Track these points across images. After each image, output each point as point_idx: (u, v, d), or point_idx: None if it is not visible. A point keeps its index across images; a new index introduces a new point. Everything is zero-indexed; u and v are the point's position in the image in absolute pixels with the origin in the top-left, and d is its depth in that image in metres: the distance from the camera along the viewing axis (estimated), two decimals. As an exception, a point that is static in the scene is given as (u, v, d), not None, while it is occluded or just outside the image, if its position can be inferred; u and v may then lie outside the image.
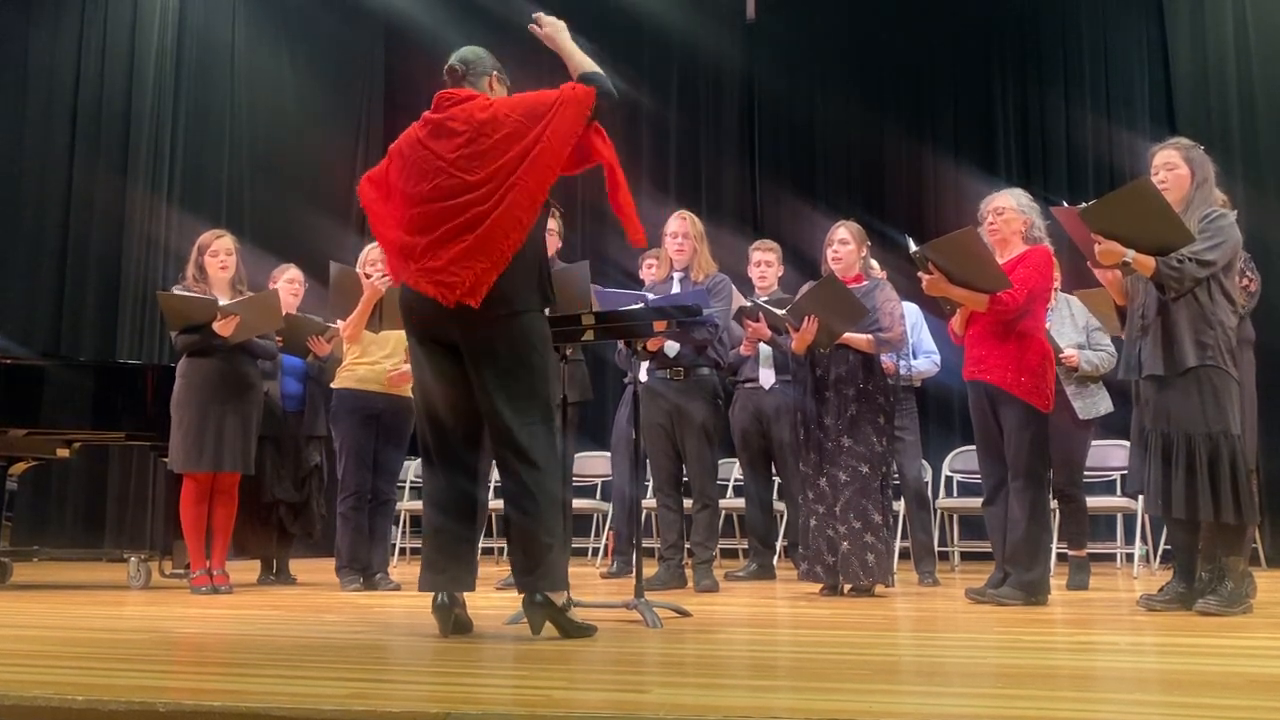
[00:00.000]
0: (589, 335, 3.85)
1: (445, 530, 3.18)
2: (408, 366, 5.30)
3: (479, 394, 3.13)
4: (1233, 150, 7.26)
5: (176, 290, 5.19)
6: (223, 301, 5.08)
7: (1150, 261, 3.75)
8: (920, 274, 4.34)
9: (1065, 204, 4.01)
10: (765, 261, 5.77)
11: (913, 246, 4.33)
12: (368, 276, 5.11)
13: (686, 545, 5.29)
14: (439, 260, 3.08)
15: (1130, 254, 3.77)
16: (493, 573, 5.67)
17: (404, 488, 7.67)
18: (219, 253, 5.20)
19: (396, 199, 3.25)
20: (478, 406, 3.16)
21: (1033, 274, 4.26)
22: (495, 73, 3.37)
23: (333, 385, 5.35)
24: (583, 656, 2.73)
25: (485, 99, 3.26)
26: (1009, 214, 4.41)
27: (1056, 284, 5.30)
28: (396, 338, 5.35)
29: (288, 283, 5.81)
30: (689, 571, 5.22)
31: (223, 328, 4.95)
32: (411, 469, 7.78)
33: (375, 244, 5.33)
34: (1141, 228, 3.77)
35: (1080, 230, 3.91)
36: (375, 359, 5.28)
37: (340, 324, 5.25)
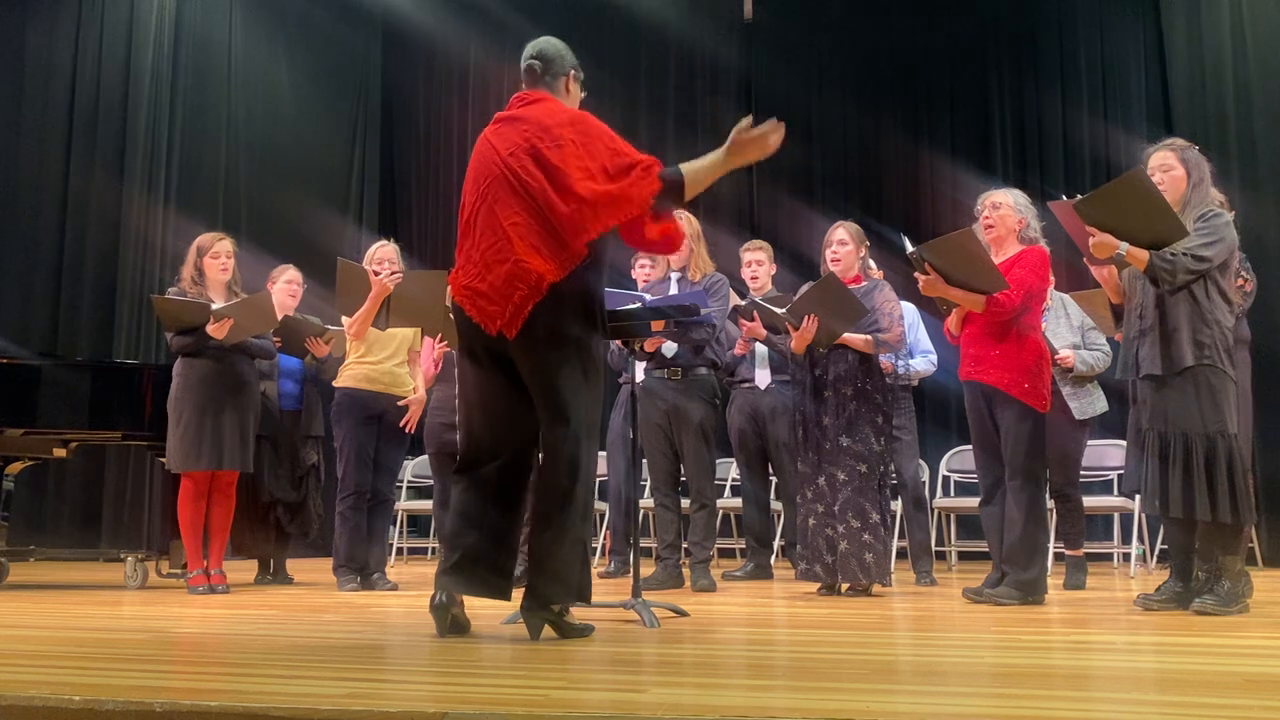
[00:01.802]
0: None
1: (489, 544, 3.10)
2: (413, 395, 5.32)
3: (531, 398, 3.10)
4: (1229, 151, 7.27)
5: (172, 292, 5.19)
6: (217, 304, 5.08)
7: (1143, 254, 3.76)
8: (916, 274, 4.35)
9: (1064, 197, 4.01)
10: (756, 261, 5.77)
11: (909, 246, 4.33)
12: (375, 274, 5.11)
13: (684, 545, 5.29)
14: (484, 283, 3.06)
15: (1124, 246, 3.78)
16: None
17: (402, 487, 7.67)
18: (220, 255, 5.20)
19: (464, 213, 3.22)
20: (525, 415, 3.14)
21: (1029, 274, 4.27)
22: (573, 71, 3.32)
23: (335, 384, 5.35)
24: (580, 656, 2.73)
25: (557, 104, 3.22)
26: (1005, 209, 4.42)
27: (1051, 283, 5.31)
28: (400, 338, 5.35)
29: (286, 284, 5.81)
30: (686, 571, 5.23)
31: (216, 331, 4.95)
32: (410, 468, 7.78)
33: (382, 243, 5.36)
34: (1135, 220, 3.77)
35: (1076, 224, 3.91)
36: (378, 359, 5.28)
37: (345, 321, 5.24)
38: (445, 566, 3.10)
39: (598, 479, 7.34)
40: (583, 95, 3.41)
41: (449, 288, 3.31)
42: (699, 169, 3.18)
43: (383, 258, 5.22)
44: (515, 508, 3.19)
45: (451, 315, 3.29)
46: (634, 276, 5.95)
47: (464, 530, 3.10)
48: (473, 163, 3.24)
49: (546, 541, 3.06)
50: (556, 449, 3.07)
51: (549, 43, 3.35)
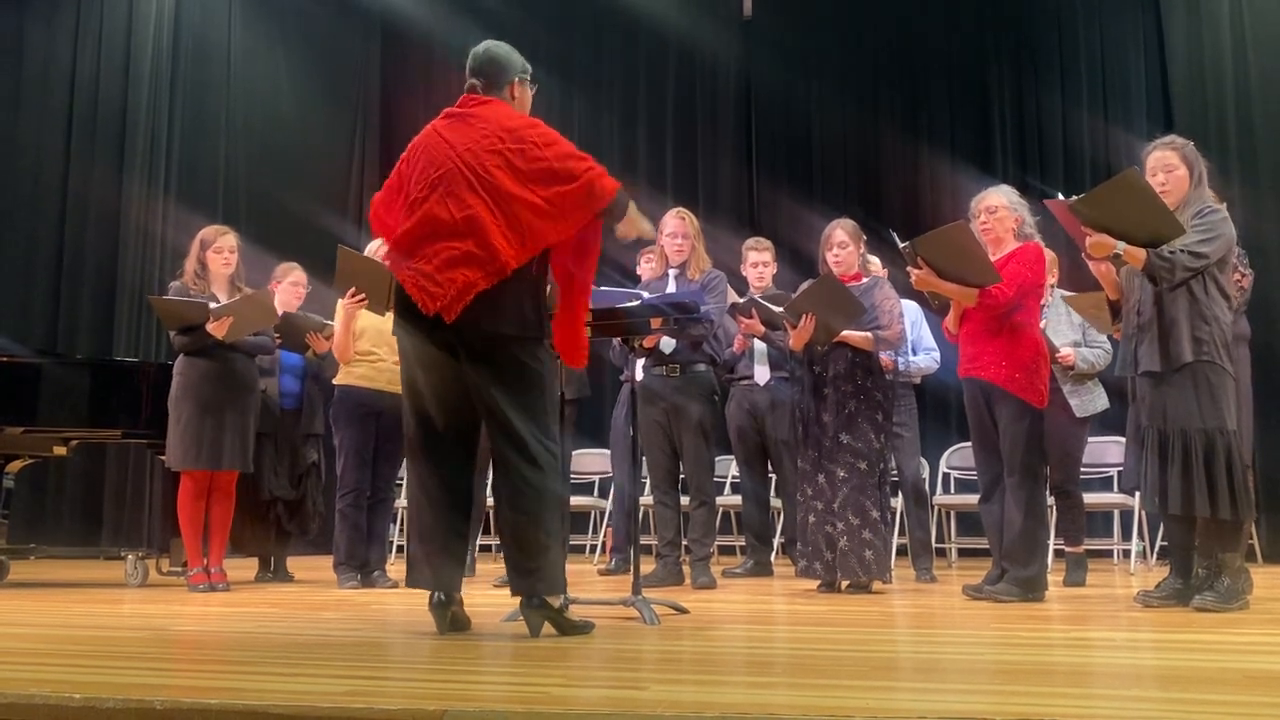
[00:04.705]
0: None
1: (438, 528, 3.13)
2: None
3: (478, 392, 3.10)
4: (1228, 146, 7.27)
5: (174, 286, 5.19)
6: (219, 300, 5.07)
7: (1141, 253, 3.76)
8: (909, 268, 4.35)
9: (1061, 195, 4.00)
10: (763, 261, 5.76)
11: (899, 241, 4.34)
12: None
13: (684, 542, 5.29)
14: (430, 264, 3.07)
15: (1121, 246, 3.78)
16: (491, 569, 5.66)
17: (401, 485, 7.67)
18: (223, 250, 5.19)
19: (404, 193, 3.21)
20: (470, 402, 3.14)
21: (1023, 270, 4.27)
22: (517, 78, 3.34)
23: (335, 382, 5.34)
24: (580, 654, 2.73)
25: (509, 109, 3.25)
26: (1001, 212, 4.42)
27: (1053, 280, 5.31)
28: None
29: (292, 285, 5.79)
30: (686, 568, 5.23)
31: (216, 329, 4.94)
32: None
33: (381, 241, 5.33)
34: (1131, 219, 3.77)
35: (1072, 222, 3.91)
36: (377, 356, 5.27)
37: (340, 303, 5.20)
38: (427, 565, 3.11)
39: (599, 477, 7.40)
40: (534, 91, 3.42)
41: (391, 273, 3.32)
42: (633, 206, 3.28)
43: (385, 256, 5.21)
44: (472, 496, 3.24)
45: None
46: (639, 272, 5.95)
47: (433, 524, 3.13)
48: (420, 153, 3.22)
49: (523, 539, 3.05)
50: (513, 441, 3.05)
51: (490, 53, 3.34)
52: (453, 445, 3.18)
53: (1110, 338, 5.00)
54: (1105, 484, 6.69)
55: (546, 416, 3.12)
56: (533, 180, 3.09)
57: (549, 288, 3.27)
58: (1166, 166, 3.97)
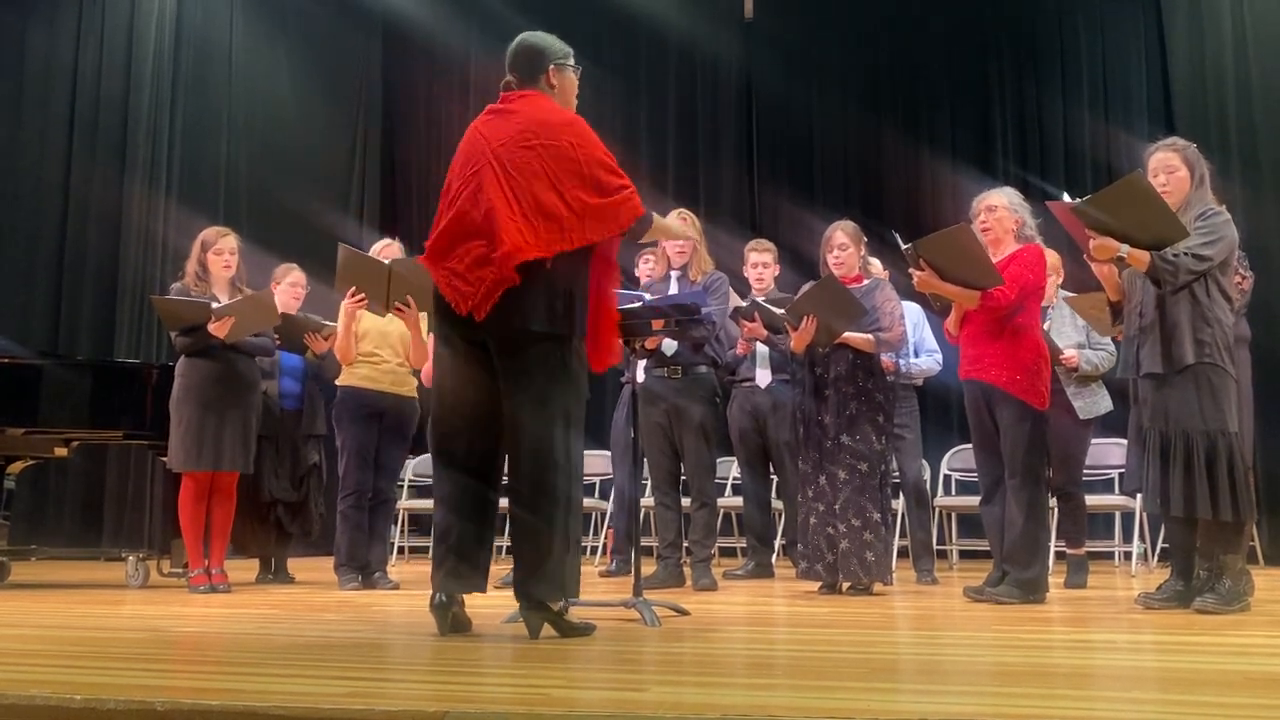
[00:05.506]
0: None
1: (460, 532, 3.12)
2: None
3: (504, 390, 3.09)
4: (1230, 148, 7.27)
5: (175, 287, 5.19)
6: (220, 301, 5.07)
7: (1144, 256, 3.75)
8: (910, 270, 4.35)
9: (1066, 197, 4.00)
10: (763, 263, 5.76)
11: (901, 243, 4.34)
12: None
13: (685, 544, 5.29)
14: (462, 263, 3.07)
15: (1124, 249, 3.78)
16: (493, 570, 5.65)
17: (403, 486, 7.67)
18: (224, 251, 5.19)
19: (447, 195, 3.22)
20: (497, 406, 3.12)
21: (1024, 271, 4.27)
22: (554, 65, 3.30)
23: (337, 383, 5.34)
24: (581, 655, 2.73)
25: (549, 102, 3.24)
26: (1001, 211, 4.42)
27: (1058, 281, 5.31)
28: (398, 334, 5.31)
29: (291, 286, 5.79)
30: (687, 570, 5.23)
31: (218, 329, 4.94)
32: (411, 468, 7.78)
33: (387, 241, 5.35)
34: (1135, 222, 3.77)
35: (1075, 224, 3.91)
36: (381, 358, 5.26)
37: (344, 304, 5.19)
38: (441, 566, 3.11)
39: (600, 478, 7.40)
40: (577, 74, 3.39)
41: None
42: (660, 220, 3.36)
43: (387, 256, 5.22)
44: (491, 500, 3.21)
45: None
46: (638, 274, 5.95)
47: (449, 525, 3.13)
48: (461, 149, 3.24)
49: (532, 539, 3.05)
50: (531, 440, 3.04)
51: (522, 44, 3.33)
52: (477, 449, 3.16)
53: (1113, 340, 5.00)
54: (1107, 486, 6.69)
55: (569, 417, 3.10)
56: (560, 179, 3.07)
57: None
58: (1168, 168, 3.96)
